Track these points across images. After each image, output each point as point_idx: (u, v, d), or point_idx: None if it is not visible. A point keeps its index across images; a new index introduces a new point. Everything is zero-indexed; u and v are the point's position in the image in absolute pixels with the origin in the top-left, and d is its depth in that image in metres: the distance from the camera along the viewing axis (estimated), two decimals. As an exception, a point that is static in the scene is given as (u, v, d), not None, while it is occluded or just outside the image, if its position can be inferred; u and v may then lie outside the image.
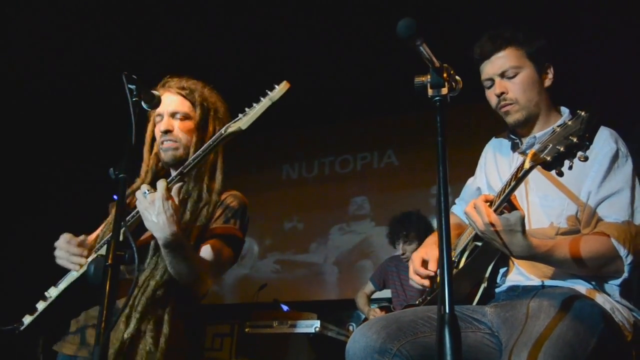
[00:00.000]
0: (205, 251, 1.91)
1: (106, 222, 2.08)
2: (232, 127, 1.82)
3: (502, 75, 1.85)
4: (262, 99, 1.79)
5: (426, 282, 1.84)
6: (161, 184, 1.74)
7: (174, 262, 1.79)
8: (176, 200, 1.77)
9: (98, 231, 2.06)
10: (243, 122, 1.80)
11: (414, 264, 1.87)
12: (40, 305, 1.89)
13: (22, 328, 1.87)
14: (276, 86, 1.79)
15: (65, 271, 1.90)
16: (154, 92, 1.92)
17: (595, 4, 4.06)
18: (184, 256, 1.79)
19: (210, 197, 1.99)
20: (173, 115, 2.05)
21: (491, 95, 1.89)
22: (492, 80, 1.88)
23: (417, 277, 1.85)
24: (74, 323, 1.96)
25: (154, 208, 1.71)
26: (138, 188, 1.99)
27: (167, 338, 1.78)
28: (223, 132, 1.83)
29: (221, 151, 2.08)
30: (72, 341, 1.91)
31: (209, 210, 1.97)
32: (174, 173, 2.08)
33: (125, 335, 1.75)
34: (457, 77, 1.41)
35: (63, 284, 1.89)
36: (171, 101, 2.07)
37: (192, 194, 1.98)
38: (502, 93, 1.84)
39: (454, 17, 4.20)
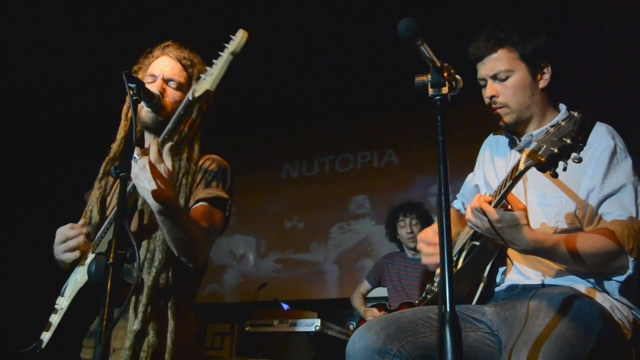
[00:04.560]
0: (196, 217, 1.83)
1: (85, 213, 1.98)
2: (198, 90, 1.66)
3: (494, 77, 1.83)
4: (221, 53, 1.60)
5: (432, 249, 1.85)
6: (153, 147, 1.64)
7: (170, 227, 1.70)
8: (168, 163, 1.67)
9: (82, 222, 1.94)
10: (208, 82, 1.62)
11: (422, 234, 1.90)
12: (54, 319, 1.81)
13: (43, 346, 1.77)
14: (232, 37, 1.58)
15: (63, 276, 1.84)
16: (154, 91, 1.88)
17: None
18: (179, 221, 1.70)
19: (189, 166, 1.91)
20: (167, 81, 1.96)
21: (485, 96, 1.89)
22: (485, 80, 1.87)
23: (423, 245, 1.88)
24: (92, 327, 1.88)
25: (145, 174, 1.61)
26: (115, 155, 1.90)
27: (173, 334, 1.74)
28: (190, 97, 1.69)
29: (198, 123, 1.98)
30: (88, 345, 1.85)
31: (188, 179, 1.89)
32: (148, 137, 2.00)
33: (135, 327, 1.69)
34: (458, 77, 1.41)
35: (69, 291, 1.82)
36: (170, 67, 1.98)
37: (174, 165, 1.88)
38: (493, 96, 1.83)
39: (454, 16, 4.20)
